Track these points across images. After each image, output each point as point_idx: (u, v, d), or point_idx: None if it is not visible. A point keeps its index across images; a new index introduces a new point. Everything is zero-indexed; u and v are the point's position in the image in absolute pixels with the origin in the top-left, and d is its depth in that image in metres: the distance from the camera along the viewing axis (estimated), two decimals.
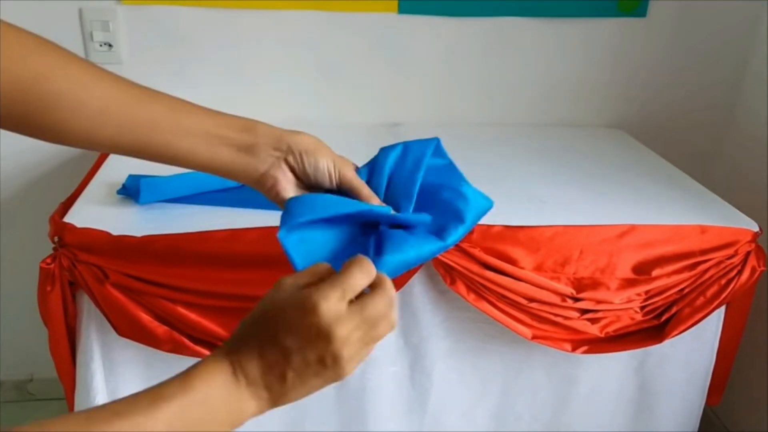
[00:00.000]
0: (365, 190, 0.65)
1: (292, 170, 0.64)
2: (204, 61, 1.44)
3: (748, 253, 1.11)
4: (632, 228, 1.08)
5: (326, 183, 0.65)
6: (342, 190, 0.65)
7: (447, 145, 0.70)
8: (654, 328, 1.12)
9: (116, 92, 0.58)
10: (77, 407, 1.04)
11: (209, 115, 0.62)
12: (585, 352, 1.10)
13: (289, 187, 0.64)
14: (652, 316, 1.11)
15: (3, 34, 0.52)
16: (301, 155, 0.63)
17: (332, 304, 0.47)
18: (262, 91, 1.48)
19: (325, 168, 0.63)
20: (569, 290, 1.06)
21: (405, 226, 0.63)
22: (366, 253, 0.56)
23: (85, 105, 0.55)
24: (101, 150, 0.61)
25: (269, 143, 0.62)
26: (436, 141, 0.68)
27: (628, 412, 1.24)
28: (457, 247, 1.00)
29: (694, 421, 1.27)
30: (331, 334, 0.47)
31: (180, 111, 0.61)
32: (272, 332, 0.48)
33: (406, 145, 0.67)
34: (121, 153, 0.62)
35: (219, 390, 0.47)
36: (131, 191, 1.08)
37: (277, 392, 0.49)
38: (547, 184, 1.24)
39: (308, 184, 0.65)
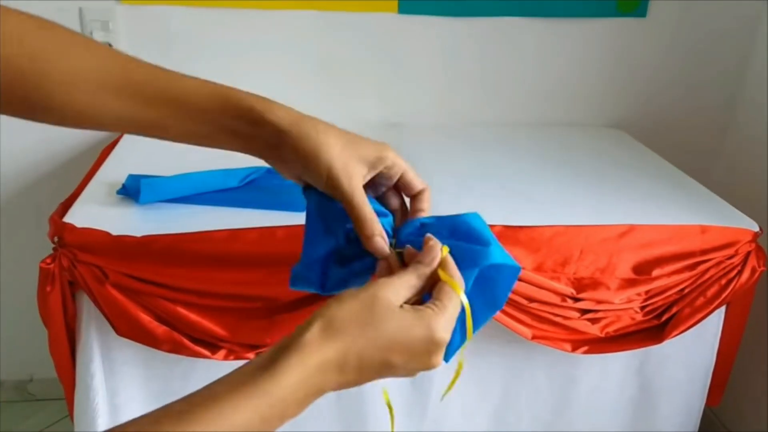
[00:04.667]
0: (362, 210, 0.55)
1: None
2: (203, 61, 1.44)
3: (748, 253, 1.11)
4: (632, 228, 1.08)
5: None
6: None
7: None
8: (654, 329, 1.12)
9: (105, 58, 0.54)
10: (77, 407, 1.04)
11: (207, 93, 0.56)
12: (585, 352, 1.10)
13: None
14: (652, 316, 1.11)
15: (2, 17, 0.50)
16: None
17: (446, 334, 0.49)
18: (261, 92, 1.47)
19: (321, 178, 0.55)
20: (569, 290, 1.05)
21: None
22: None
23: (77, 76, 0.52)
24: (103, 126, 0.56)
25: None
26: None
27: (628, 412, 1.23)
28: None
29: (694, 421, 1.27)
30: (437, 362, 0.50)
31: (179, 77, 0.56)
32: (384, 353, 0.47)
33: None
34: (125, 125, 0.56)
35: (301, 390, 0.45)
36: (131, 191, 1.08)
37: (348, 384, 0.48)
38: (546, 184, 1.24)
39: None
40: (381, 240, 0.55)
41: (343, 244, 0.57)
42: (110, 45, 1.37)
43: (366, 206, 0.55)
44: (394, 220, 0.59)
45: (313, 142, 0.55)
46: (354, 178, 0.54)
